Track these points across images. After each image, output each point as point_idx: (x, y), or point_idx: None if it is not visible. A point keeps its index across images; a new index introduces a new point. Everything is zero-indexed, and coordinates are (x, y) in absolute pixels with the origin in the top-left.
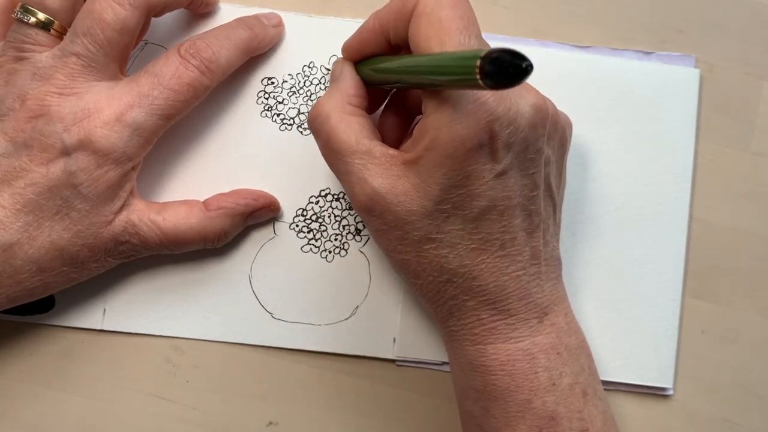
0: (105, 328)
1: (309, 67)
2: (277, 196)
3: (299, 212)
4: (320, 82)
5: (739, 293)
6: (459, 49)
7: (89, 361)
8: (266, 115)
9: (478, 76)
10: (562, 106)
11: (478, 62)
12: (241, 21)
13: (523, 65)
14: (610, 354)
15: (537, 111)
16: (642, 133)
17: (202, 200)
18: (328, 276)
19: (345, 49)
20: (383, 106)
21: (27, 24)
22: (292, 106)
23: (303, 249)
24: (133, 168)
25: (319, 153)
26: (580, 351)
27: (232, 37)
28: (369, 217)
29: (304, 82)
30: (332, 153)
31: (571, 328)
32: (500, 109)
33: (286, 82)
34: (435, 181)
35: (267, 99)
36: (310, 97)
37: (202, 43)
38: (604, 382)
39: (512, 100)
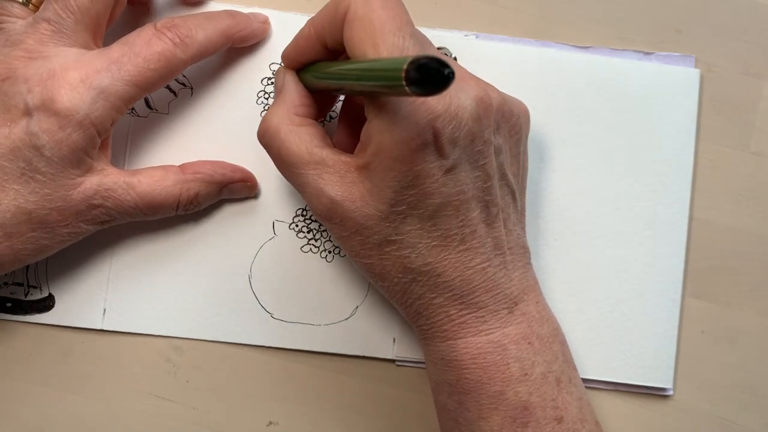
0: (105, 328)
1: None
2: (276, 196)
3: (299, 212)
4: None
5: (739, 293)
6: (392, 51)
7: (89, 361)
8: None
9: (404, 83)
10: (561, 107)
11: (404, 69)
12: (225, 10)
13: (445, 72)
14: (610, 354)
15: (479, 103)
16: (642, 133)
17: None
18: (328, 276)
19: (284, 57)
20: (338, 111)
21: None
22: None
23: (303, 249)
24: (98, 133)
25: None
26: (552, 339)
27: (213, 19)
28: (330, 225)
29: None
30: (286, 166)
31: (543, 316)
32: (440, 107)
33: None
34: (386, 185)
35: (267, 99)
36: None
37: (179, 20)
38: (604, 383)
39: (452, 96)
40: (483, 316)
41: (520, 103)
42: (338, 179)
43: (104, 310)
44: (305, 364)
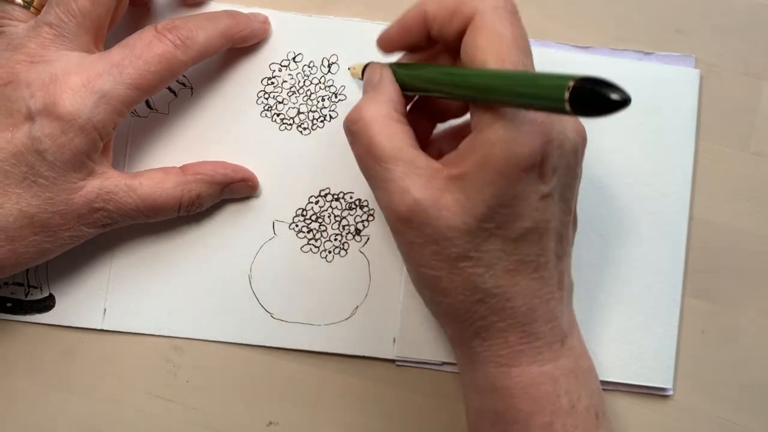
0: (105, 328)
1: (309, 67)
2: (277, 196)
3: (299, 212)
4: (320, 82)
5: (739, 293)
6: (516, 67)
7: (89, 361)
8: (266, 115)
9: (566, 104)
10: None
11: (568, 88)
12: (225, 11)
13: (621, 98)
14: (610, 354)
15: (578, 135)
16: (642, 133)
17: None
18: (328, 276)
19: (383, 39)
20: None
21: (7, 1)
22: (292, 106)
23: (303, 249)
24: (101, 137)
25: (319, 153)
26: (591, 373)
27: (214, 20)
28: (405, 228)
29: (304, 82)
30: (372, 159)
31: (584, 351)
32: (554, 132)
33: (286, 82)
34: (482, 199)
35: (267, 99)
36: (310, 96)
37: (180, 21)
38: (604, 382)
39: (562, 123)
40: (539, 347)
41: None
42: (426, 182)
43: (104, 310)
44: (305, 364)
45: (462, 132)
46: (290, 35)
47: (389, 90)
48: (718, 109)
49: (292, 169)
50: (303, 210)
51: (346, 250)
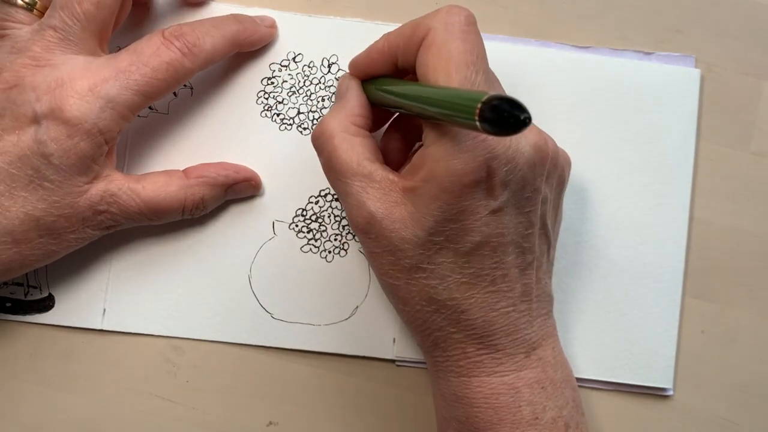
0: (105, 328)
1: (309, 67)
2: (277, 196)
3: (299, 212)
4: (320, 82)
5: (739, 293)
6: (464, 84)
7: (89, 361)
8: (266, 115)
9: (476, 119)
10: (561, 107)
11: (479, 106)
12: (232, 15)
13: (522, 117)
14: (610, 354)
15: (537, 151)
16: (642, 133)
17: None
18: (328, 276)
19: (352, 65)
20: (387, 124)
21: (10, 3)
22: (292, 106)
23: (303, 249)
24: (106, 141)
25: None
26: (565, 385)
27: (220, 26)
28: (364, 238)
29: (304, 82)
30: (333, 173)
31: (558, 362)
32: (499, 147)
33: (286, 82)
34: (429, 213)
35: (267, 99)
36: (310, 96)
37: (187, 28)
38: (604, 383)
39: (512, 139)
40: (499, 358)
41: (566, 154)
42: (382, 196)
43: (104, 310)
44: (305, 364)
45: None
46: (290, 35)
47: (352, 103)
48: (718, 109)
49: (292, 169)
50: (303, 210)
51: (346, 250)
